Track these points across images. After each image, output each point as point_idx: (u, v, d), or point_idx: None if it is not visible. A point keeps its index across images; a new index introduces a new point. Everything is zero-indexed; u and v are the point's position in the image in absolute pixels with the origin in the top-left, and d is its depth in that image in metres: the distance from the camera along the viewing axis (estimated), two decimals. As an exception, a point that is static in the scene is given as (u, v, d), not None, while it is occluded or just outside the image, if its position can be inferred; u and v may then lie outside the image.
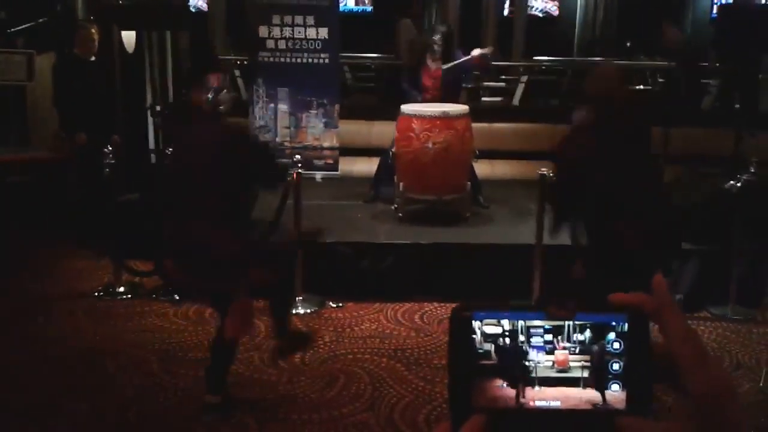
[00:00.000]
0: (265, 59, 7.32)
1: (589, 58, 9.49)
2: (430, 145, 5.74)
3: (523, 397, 0.64)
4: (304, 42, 7.30)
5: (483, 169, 6.61)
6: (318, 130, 7.44)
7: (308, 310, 5.06)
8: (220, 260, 3.64)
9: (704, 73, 9.17)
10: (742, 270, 5.08)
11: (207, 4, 11.64)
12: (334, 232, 5.65)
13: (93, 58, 6.32)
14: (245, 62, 8.08)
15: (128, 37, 6.92)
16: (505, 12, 12.83)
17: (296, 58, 7.32)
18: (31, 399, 3.93)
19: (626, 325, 0.64)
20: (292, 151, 6.68)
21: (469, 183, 6.06)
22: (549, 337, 0.65)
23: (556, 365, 0.64)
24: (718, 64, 8.36)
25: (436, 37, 6.28)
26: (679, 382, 0.60)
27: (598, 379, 0.64)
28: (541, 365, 0.64)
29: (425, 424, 3.71)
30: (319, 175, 7.39)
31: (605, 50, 11.48)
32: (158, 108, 6.88)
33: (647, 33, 10.98)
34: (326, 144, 7.46)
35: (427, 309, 5.13)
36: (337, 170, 7.49)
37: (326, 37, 7.30)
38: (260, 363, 4.34)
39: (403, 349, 4.57)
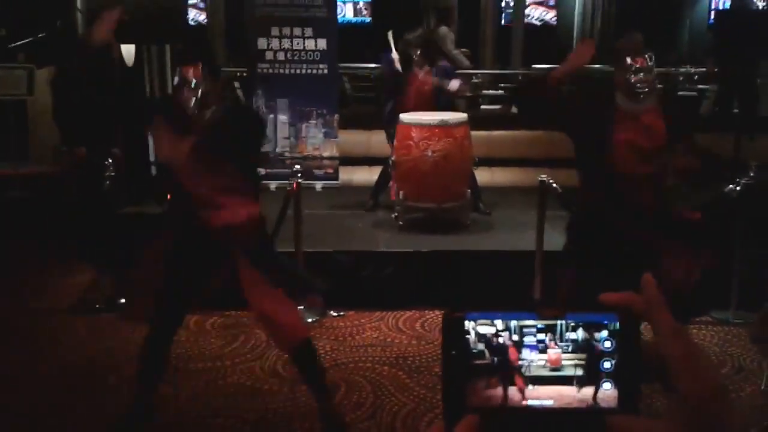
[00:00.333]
0: (265, 71, 7.35)
1: (587, 66, 9.49)
2: (429, 153, 5.76)
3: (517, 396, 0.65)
4: (302, 53, 7.34)
5: (482, 176, 6.63)
6: (318, 140, 7.46)
7: (309, 320, 5.05)
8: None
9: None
10: (743, 274, 5.07)
11: (206, 16, 11.70)
12: (334, 241, 5.66)
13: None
14: (245, 74, 8.11)
15: (128, 50, 6.94)
16: (502, 22, 12.89)
17: (295, 69, 7.35)
18: (32, 413, 3.92)
19: (618, 323, 0.65)
20: (293, 162, 6.69)
21: (468, 190, 6.08)
22: (542, 336, 0.66)
23: (549, 364, 0.65)
24: (716, 69, 8.39)
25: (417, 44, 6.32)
26: (670, 381, 0.60)
27: (591, 377, 0.65)
28: (534, 364, 0.65)
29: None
30: (319, 184, 7.41)
31: (603, 58, 11.50)
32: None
33: (646, 40, 10.98)
34: (326, 154, 7.48)
35: (428, 317, 5.13)
36: (337, 180, 7.51)
37: (325, 48, 7.33)
38: (261, 373, 4.34)
39: (405, 357, 4.56)
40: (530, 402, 0.64)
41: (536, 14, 14.15)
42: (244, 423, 3.81)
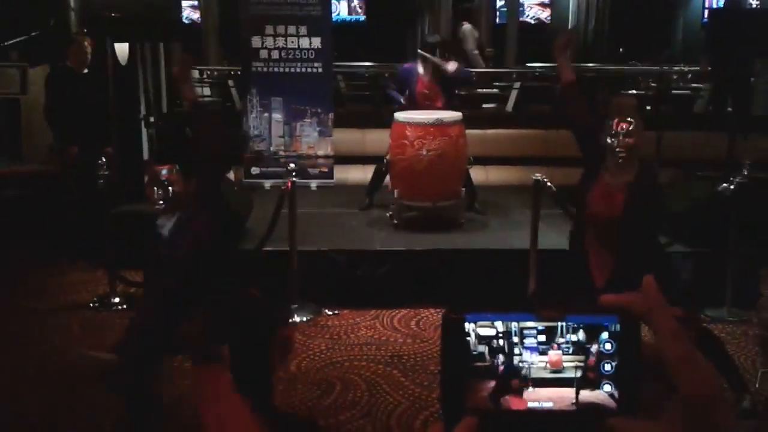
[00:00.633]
0: (259, 69, 7.34)
1: (582, 64, 9.52)
2: (424, 152, 5.75)
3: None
4: (297, 52, 7.33)
5: (477, 175, 6.63)
6: (312, 139, 7.45)
7: (304, 318, 5.06)
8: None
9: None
10: (737, 272, 5.09)
11: (200, 15, 11.67)
12: (329, 240, 5.65)
13: (86, 71, 6.33)
14: (239, 73, 8.09)
15: (121, 49, 6.92)
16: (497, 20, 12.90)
17: (290, 67, 7.34)
18: (29, 413, 3.91)
19: (618, 325, 0.65)
20: (287, 160, 6.68)
21: (463, 189, 6.08)
22: (542, 338, 0.65)
23: (549, 366, 0.65)
24: (710, 68, 8.40)
25: (428, 46, 6.32)
26: (670, 383, 0.60)
27: (591, 379, 0.65)
28: (534, 366, 0.65)
29: (422, 430, 3.70)
30: (314, 183, 7.40)
31: (597, 56, 11.53)
32: (152, 119, 6.88)
33: (639, 39, 11.04)
34: (321, 152, 7.47)
35: (423, 315, 5.13)
36: (332, 178, 7.50)
37: (319, 46, 7.33)
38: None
39: (400, 355, 4.57)
40: (530, 404, 0.64)
41: (531, 12, 14.17)
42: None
